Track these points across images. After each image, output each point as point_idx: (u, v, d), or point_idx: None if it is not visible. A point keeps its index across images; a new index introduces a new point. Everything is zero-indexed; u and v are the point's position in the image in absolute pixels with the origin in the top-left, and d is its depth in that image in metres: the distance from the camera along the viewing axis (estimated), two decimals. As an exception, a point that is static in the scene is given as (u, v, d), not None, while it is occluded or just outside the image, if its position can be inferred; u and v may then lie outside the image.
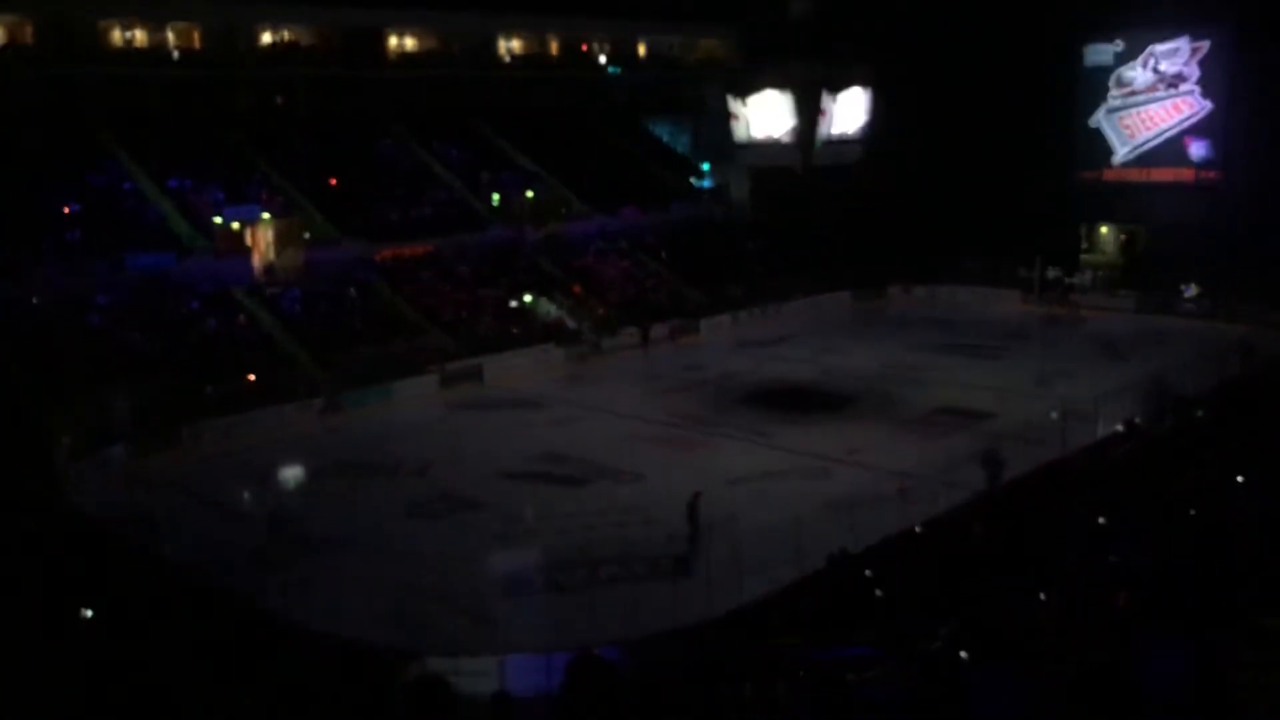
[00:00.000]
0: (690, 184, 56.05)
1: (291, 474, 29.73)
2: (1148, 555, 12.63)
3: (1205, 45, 45.77)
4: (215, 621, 17.48)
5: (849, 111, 36.01)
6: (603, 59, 57.24)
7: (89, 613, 16.74)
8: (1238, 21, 44.29)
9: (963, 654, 10.14)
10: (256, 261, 40.36)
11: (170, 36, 44.67)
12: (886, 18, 46.72)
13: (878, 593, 15.90)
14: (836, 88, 35.24)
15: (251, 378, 33.34)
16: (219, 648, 15.70)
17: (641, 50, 58.99)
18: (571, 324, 41.45)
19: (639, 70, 58.31)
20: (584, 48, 56.96)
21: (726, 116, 38.60)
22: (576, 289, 44.18)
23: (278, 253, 40.70)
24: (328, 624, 17.65)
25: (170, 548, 21.53)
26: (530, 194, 48.96)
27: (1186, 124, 46.81)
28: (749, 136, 37.18)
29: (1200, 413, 24.56)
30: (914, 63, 45.18)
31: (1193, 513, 14.50)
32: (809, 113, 34.74)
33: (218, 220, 39.56)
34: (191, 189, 41.06)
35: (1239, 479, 15.69)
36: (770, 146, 36.38)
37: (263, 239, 41.04)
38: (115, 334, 33.98)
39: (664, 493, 25.15)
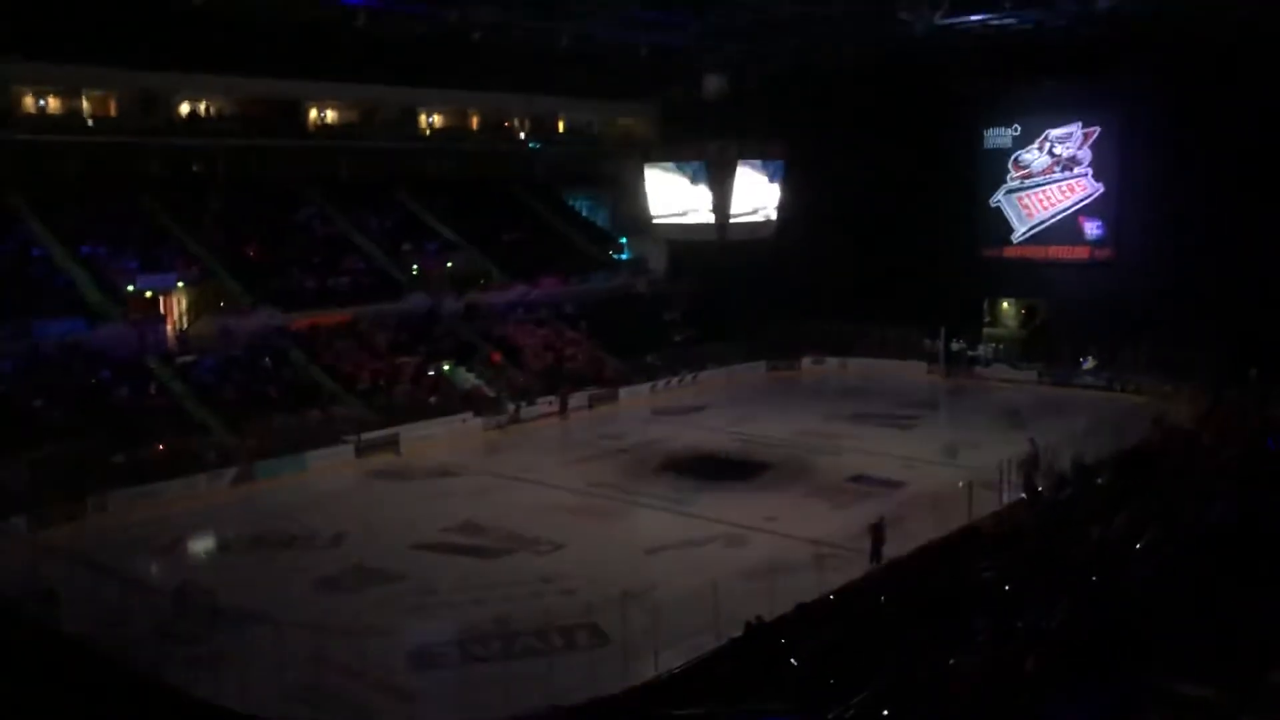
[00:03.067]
0: (609, 256, 56.83)
1: (201, 545, 29.07)
2: (1053, 619, 13.07)
3: (1096, 131, 48.23)
4: (118, 698, 16.97)
5: (762, 188, 36.98)
6: (523, 134, 58.07)
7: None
8: (1125, 110, 46.87)
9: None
10: (170, 330, 39.78)
11: (86, 104, 44.16)
12: (799, 98, 48.30)
13: (793, 660, 16.11)
14: (750, 164, 36.22)
15: (161, 447, 32.62)
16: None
17: (561, 126, 59.98)
18: (490, 393, 41.43)
19: (559, 145, 59.23)
20: (505, 123, 57.76)
21: (643, 191, 39.33)
22: (495, 357, 44.26)
23: (192, 321, 40.18)
24: (237, 700, 17.23)
25: (71, 622, 20.83)
26: (450, 264, 49.20)
27: (1081, 205, 49.06)
28: (664, 211, 37.91)
29: (1100, 480, 25.45)
30: (825, 142, 46.72)
31: (1094, 578, 15.07)
32: (723, 188, 35.59)
33: (131, 288, 38.95)
34: (105, 256, 40.35)
35: (1137, 545, 16.35)
36: (685, 221, 37.14)
37: (177, 307, 40.55)
38: (18, 402, 33.03)
39: (582, 562, 25.23)
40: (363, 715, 18.11)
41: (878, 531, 23.58)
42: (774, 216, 38.11)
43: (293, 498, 31.98)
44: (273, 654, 18.96)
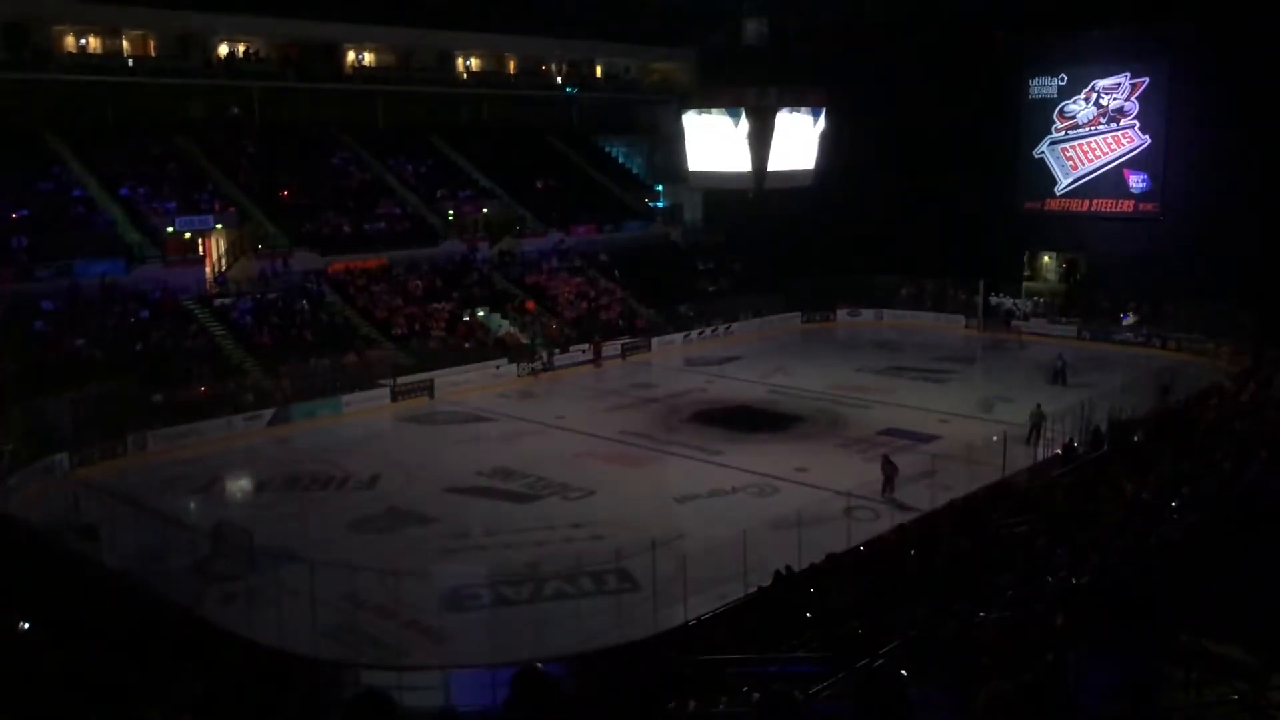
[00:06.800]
0: (644, 204, 56.51)
1: (238, 485, 29.52)
2: (1085, 576, 12.99)
3: (1144, 82, 47.11)
4: (156, 632, 17.31)
5: (801, 137, 36.43)
6: (560, 79, 57.64)
7: (26, 625, 16.49)
8: (1174, 60, 45.70)
9: (903, 671, 10.43)
10: (208, 271, 40.13)
11: (125, 44, 44.23)
12: (840, 46, 47.49)
13: (821, 610, 16.16)
14: (789, 112, 35.66)
15: (200, 388, 33.04)
16: (159, 659, 15.56)
17: (598, 72, 59.46)
18: (523, 340, 41.54)
19: (596, 91, 58.76)
20: (542, 68, 57.31)
21: (680, 138, 38.90)
22: (529, 305, 44.32)
23: (229, 263, 40.46)
24: (271, 636, 17.55)
25: (112, 557, 21.29)
26: (485, 210, 49.15)
27: (1126, 157, 48.08)
28: (701, 159, 37.47)
29: (1136, 437, 25.20)
30: (866, 91, 45.95)
31: (1127, 535, 14.95)
32: (761, 136, 35.11)
33: (170, 229, 39.25)
34: (144, 197, 40.65)
35: (1173, 503, 16.18)
36: (722, 170, 36.70)
37: (214, 249, 40.83)
38: (61, 341, 33.53)
39: (613, 509, 25.40)
40: (394, 654, 18.40)
41: (888, 467, 25.47)
42: (812, 166, 37.58)
43: (328, 440, 32.38)
44: (307, 592, 19.26)
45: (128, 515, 24.17)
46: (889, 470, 25.52)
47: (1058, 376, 35.63)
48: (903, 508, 23.88)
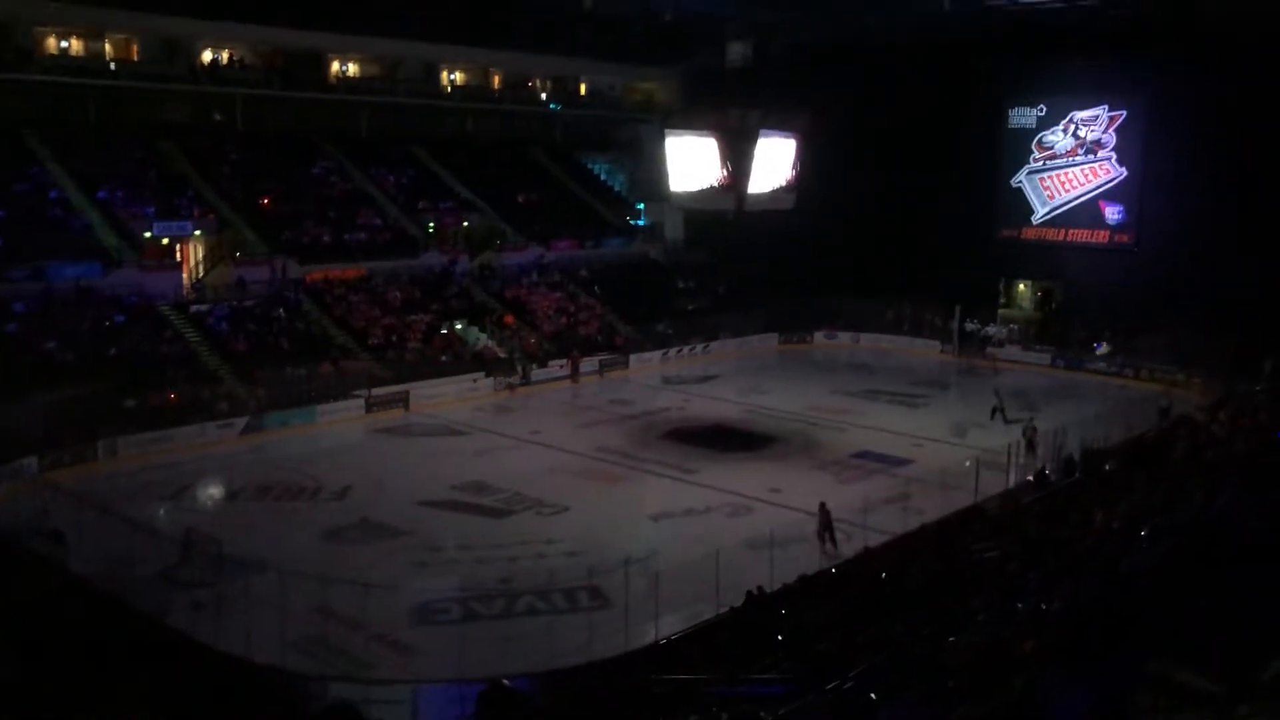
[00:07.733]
0: (625, 221, 56.69)
1: (209, 493, 29.24)
2: (1055, 602, 13.05)
3: (1121, 115, 47.71)
4: (120, 639, 17.12)
5: (782, 159, 36.60)
6: (544, 95, 57.80)
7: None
8: (1151, 94, 46.30)
9: (872, 695, 10.44)
10: (185, 277, 39.90)
11: (108, 47, 44.03)
12: (822, 70, 47.82)
13: (792, 631, 16.16)
14: (771, 135, 35.83)
15: (172, 394, 32.79)
16: (122, 667, 15.38)
17: (583, 89, 59.68)
18: (501, 354, 41.48)
19: (579, 108, 58.96)
20: (527, 83, 57.46)
21: (662, 158, 39.03)
22: (508, 319, 44.27)
23: (206, 269, 40.25)
24: (239, 647, 17.37)
25: (78, 563, 21.05)
26: (466, 223, 49.13)
27: (1102, 189, 48.62)
28: (682, 179, 37.60)
29: (1107, 466, 25.37)
30: (848, 116, 46.30)
31: (1096, 563, 15.04)
32: (742, 158, 35.27)
33: (148, 234, 39.02)
34: (122, 201, 40.40)
35: (1142, 532, 16.30)
36: (703, 190, 36.81)
37: (192, 255, 40.62)
38: (32, 343, 33.19)
39: (586, 525, 25.34)
40: (362, 667, 18.26)
41: (824, 514, 23.66)
42: (793, 189, 37.77)
43: (301, 449, 32.22)
44: (276, 602, 19.09)
45: (97, 521, 23.89)
46: (823, 516, 23.64)
47: (996, 413, 35.05)
48: (832, 557, 22.42)
